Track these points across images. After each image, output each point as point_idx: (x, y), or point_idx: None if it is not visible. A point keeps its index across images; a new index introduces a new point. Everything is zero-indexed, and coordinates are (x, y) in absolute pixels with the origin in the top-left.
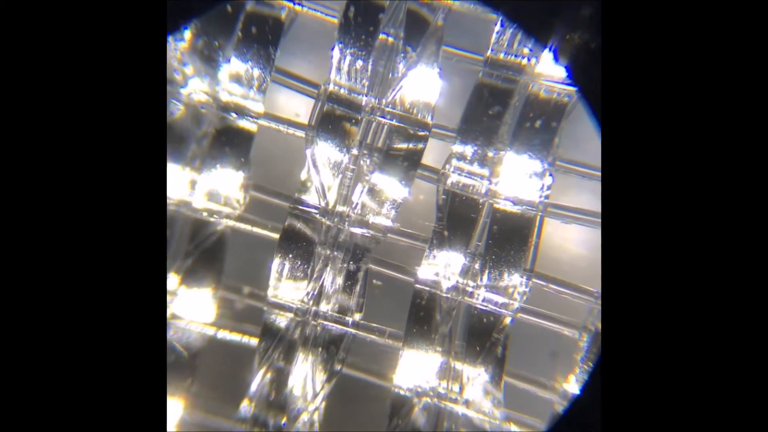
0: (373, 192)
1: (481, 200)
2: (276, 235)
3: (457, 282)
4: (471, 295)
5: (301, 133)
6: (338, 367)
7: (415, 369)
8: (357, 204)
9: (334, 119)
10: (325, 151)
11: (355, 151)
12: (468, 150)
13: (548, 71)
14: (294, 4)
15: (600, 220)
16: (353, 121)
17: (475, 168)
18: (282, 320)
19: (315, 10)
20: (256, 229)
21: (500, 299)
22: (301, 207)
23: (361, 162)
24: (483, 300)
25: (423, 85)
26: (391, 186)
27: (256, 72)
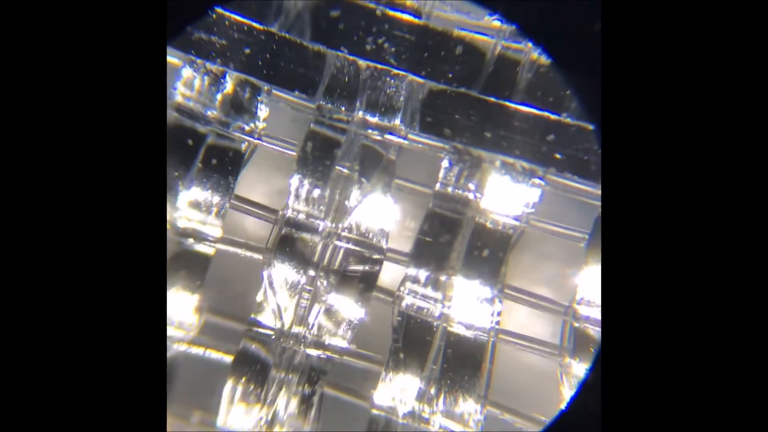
0: (329, 313)
1: (435, 323)
2: (230, 358)
3: (413, 408)
4: (427, 421)
5: (258, 255)
6: None
7: None
8: (313, 325)
9: (291, 242)
10: (282, 273)
11: (311, 273)
12: (421, 274)
13: (493, 206)
14: (254, 138)
15: (549, 350)
16: (310, 243)
17: (429, 291)
18: None
19: (274, 144)
20: (210, 352)
21: (456, 427)
22: (256, 328)
23: (318, 283)
24: (439, 427)
25: (377, 211)
26: (348, 307)
27: (216, 199)
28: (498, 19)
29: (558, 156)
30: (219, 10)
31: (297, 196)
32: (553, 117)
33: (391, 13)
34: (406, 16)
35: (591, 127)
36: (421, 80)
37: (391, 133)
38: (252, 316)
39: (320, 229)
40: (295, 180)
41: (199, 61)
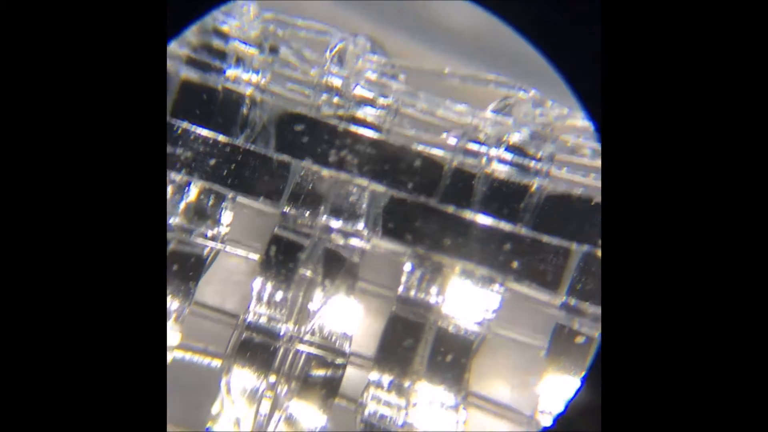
0: (289, 421)
1: None
2: None
3: None
4: None
5: (217, 362)
6: None
7: None
8: None
9: (252, 347)
10: (241, 380)
11: (272, 379)
12: (385, 379)
13: (454, 312)
14: (216, 243)
15: None
16: (271, 348)
17: (392, 397)
18: None
19: (237, 249)
20: None
21: None
22: None
23: (279, 389)
24: None
25: (340, 315)
26: (309, 415)
27: (175, 305)
28: None
29: (515, 264)
30: (185, 124)
31: (259, 299)
32: (508, 227)
33: (353, 129)
34: (367, 132)
35: (545, 237)
36: (382, 189)
37: (354, 236)
38: (208, 426)
39: (282, 333)
40: (257, 283)
41: None
